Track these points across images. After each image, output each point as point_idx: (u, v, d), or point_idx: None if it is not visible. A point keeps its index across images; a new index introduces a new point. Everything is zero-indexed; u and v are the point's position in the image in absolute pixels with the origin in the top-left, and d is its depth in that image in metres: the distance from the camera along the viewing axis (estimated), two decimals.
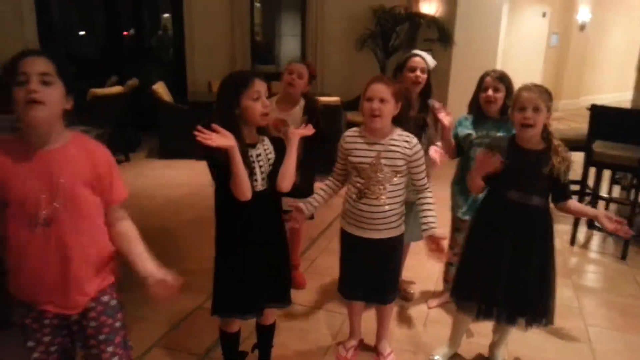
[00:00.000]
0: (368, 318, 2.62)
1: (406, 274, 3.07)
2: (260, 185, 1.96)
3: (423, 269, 3.29)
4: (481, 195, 2.33)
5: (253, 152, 1.95)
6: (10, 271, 1.54)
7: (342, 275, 2.40)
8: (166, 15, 8.13)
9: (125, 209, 1.69)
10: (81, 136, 1.57)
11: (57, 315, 1.57)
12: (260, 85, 1.91)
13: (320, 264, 3.48)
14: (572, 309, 3.02)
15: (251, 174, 1.90)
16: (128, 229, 1.66)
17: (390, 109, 2.12)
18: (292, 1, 8.20)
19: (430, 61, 2.71)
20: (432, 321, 2.86)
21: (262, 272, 2.03)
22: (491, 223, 2.22)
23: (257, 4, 9.08)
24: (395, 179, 2.17)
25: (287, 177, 2.00)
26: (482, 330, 2.63)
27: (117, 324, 1.65)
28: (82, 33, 9.04)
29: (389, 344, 2.56)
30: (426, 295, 3.11)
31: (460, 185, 2.76)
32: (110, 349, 1.63)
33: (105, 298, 1.62)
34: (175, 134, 5.89)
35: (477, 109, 2.70)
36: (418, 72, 2.65)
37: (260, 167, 1.96)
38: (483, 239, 2.25)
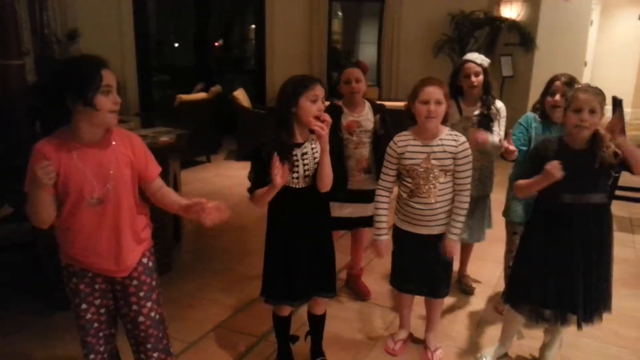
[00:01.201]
0: (422, 313, 2.70)
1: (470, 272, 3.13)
2: (301, 183, 2.12)
3: (483, 271, 3.29)
4: (531, 200, 2.33)
5: (298, 151, 2.10)
6: (64, 244, 1.78)
7: (395, 268, 2.50)
8: (253, 26, 8.60)
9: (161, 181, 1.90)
10: (118, 129, 1.79)
11: (105, 279, 1.81)
12: (319, 90, 2.06)
13: (377, 262, 3.57)
14: (636, 318, 2.89)
15: (292, 171, 2.07)
16: (168, 190, 1.90)
17: (444, 109, 2.22)
18: (371, 9, 8.37)
19: (483, 61, 2.78)
20: (486, 322, 2.86)
21: (305, 263, 2.17)
22: (546, 227, 2.21)
23: (339, 13, 9.36)
24: (443, 177, 2.24)
25: (323, 178, 2.09)
26: (533, 333, 2.61)
27: (154, 283, 1.89)
28: (176, 45, 9.81)
29: (439, 340, 2.61)
30: (482, 296, 3.11)
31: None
32: (148, 304, 1.86)
33: (145, 260, 1.86)
34: (252, 137, 6.21)
35: (542, 113, 2.67)
36: (472, 78, 2.76)
37: (305, 164, 2.11)
38: (539, 243, 2.23)
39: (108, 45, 7.03)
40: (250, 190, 2.13)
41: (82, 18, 6.83)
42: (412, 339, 2.68)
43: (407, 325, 2.65)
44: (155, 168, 1.86)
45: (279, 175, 1.95)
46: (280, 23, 7.67)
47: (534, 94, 7.42)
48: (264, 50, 7.84)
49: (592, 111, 2.03)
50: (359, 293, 3.13)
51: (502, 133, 2.81)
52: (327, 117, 2.04)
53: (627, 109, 9.34)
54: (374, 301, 3.08)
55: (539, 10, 7.10)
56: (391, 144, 2.33)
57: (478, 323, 2.86)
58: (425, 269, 2.39)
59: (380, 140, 2.75)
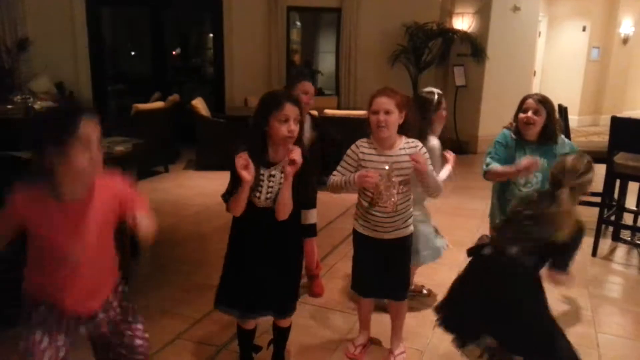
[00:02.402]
0: (384, 320, 2.76)
1: (418, 279, 3.21)
2: (264, 202, 2.10)
3: (437, 276, 3.39)
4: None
5: (266, 172, 2.09)
6: (33, 276, 1.68)
7: (356, 273, 2.56)
8: (211, 35, 8.58)
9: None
10: (102, 177, 1.65)
11: (75, 316, 1.70)
12: (289, 110, 2.03)
13: (339, 268, 3.63)
14: (584, 317, 3.05)
15: (254, 189, 2.07)
16: None
17: (395, 119, 2.27)
18: (329, 19, 8.49)
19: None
20: None
21: (261, 281, 2.17)
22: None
23: (298, 22, 9.45)
24: (402, 186, 2.31)
25: (281, 208, 2.08)
26: None
27: (135, 306, 1.86)
28: (132, 53, 9.66)
29: (406, 343, 2.67)
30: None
31: (499, 202, 2.87)
32: (140, 326, 1.83)
33: (119, 288, 1.82)
34: (211, 146, 6.21)
35: (516, 131, 2.79)
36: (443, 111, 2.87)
37: (269, 187, 2.09)
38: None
39: (61, 55, 6.90)
40: (225, 197, 2.12)
41: (34, 27, 6.69)
42: (376, 343, 2.74)
43: (367, 329, 2.71)
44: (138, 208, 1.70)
45: (244, 169, 1.94)
46: (239, 32, 7.69)
47: (486, 102, 7.78)
48: (223, 59, 7.83)
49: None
50: (311, 292, 3.25)
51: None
52: (297, 158, 1.99)
53: (573, 117, 9.79)
54: (334, 307, 3.12)
55: (489, 21, 7.38)
56: (353, 147, 2.38)
57: (434, 326, 2.93)
58: (385, 272, 2.45)
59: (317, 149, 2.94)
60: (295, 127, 2.05)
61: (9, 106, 4.13)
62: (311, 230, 3.13)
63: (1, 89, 5.06)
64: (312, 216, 3.10)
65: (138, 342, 1.82)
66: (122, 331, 1.80)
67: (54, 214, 1.55)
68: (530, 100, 2.71)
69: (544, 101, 2.70)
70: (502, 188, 2.84)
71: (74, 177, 1.54)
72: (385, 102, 2.24)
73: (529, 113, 2.69)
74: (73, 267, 1.62)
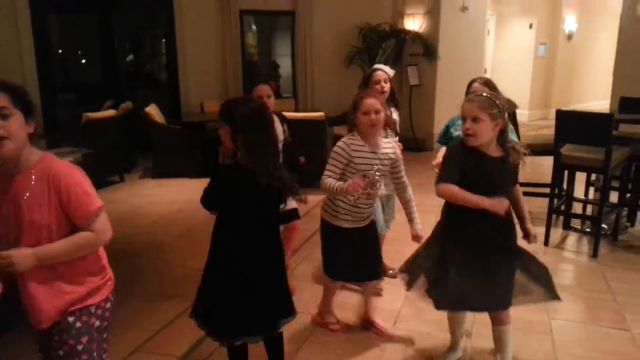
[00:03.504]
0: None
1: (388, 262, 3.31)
2: None
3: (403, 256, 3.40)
4: None
5: None
6: None
7: (329, 261, 2.72)
8: (163, 40, 8.42)
9: (93, 222, 1.65)
10: (48, 160, 1.62)
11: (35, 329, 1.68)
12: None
13: (300, 271, 3.63)
14: (537, 304, 3.14)
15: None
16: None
17: (382, 118, 2.47)
18: (284, 22, 8.48)
19: (390, 71, 3.18)
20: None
21: (245, 296, 2.06)
22: (458, 229, 2.27)
23: (253, 26, 9.40)
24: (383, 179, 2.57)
25: None
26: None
27: (79, 347, 1.67)
28: (82, 61, 9.39)
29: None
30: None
31: None
32: None
33: (71, 319, 1.67)
34: (168, 153, 6.11)
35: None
36: (382, 83, 3.09)
37: None
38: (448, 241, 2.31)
39: (6, 65, 6.63)
40: (204, 203, 2.05)
41: None
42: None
43: (332, 310, 2.91)
44: (82, 212, 1.61)
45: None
46: (192, 36, 7.57)
47: (440, 100, 7.93)
48: (177, 65, 7.71)
49: (474, 119, 2.14)
50: None
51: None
52: None
53: (524, 111, 10.12)
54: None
55: (439, 22, 7.53)
56: (342, 145, 2.49)
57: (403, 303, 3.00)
58: (362, 256, 2.64)
59: (290, 146, 3.13)
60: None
61: None
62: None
63: None
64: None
65: None
66: (52, 357, 1.69)
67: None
68: (476, 84, 2.96)
69: (487, 83, 2.95)
70: None
71: (9, 156, 1.55)
72: (374, 103, 2.46)
73: None
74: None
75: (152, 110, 6.25)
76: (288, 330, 2.43)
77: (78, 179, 1.63)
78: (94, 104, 6.71)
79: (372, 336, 2.82)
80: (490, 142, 2.18)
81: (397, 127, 3.17)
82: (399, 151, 2.61)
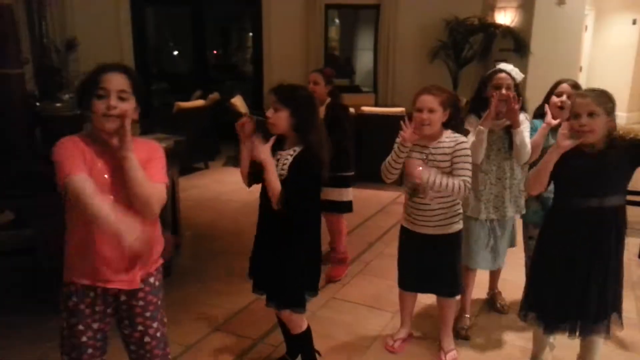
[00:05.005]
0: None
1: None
2: None
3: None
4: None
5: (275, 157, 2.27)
6: (70, 257, 1.72)
7: (399, 266, 2.60)
8: (250, 34, 8.68)
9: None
10: (140, 141, 1.81)
11: (106, 300, 1.73)
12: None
13: (374, 266, 3.62)
14: (629, 320, 2.90)
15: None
16: None
17: (438, 117, 2.30)
18: (367, 16, 8.44)
19: (517, 75, 2.72)
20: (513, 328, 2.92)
21: (261, 264, 2.34)
22: (562, 233, 2.17)
23: (336, 20, 9.45)
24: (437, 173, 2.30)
25: (270, 195, 2.17)
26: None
27: (159, 302, 1.83)
28: (175, 53, 9.89)
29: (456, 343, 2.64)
30: (478, 303, 3.13)
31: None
32: (155, 324, 1.81)
33: (151, 280, 1.80)
34: None
35: (542, 116, 2.69)
36: (503, 90, 2.58)
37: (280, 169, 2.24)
38: (554, 251, 2.19)
39: (107, 54, 7.11)
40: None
41: (81, 27, 6.92)
42: (419, 338, 2.75)
43: (407, 324, 2.71)
44: (153, 176, 1.70)
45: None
46: (277, 30, 7.74)
47: (530, 99, 7.54)
48: (262, 57, 7.91)
49: (590, 114, 1.99)
50: (328, 275, 3.35)
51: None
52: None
53: (622, 113, 9.41)
54: (367, 303, 3.12)
55: (532, 16, 7.16)
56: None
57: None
58: (427, 267, 2.47)
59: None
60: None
61: (58, 104, 4.31)
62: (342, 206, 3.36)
63: (51, 87, 5.27)
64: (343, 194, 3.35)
65: (147, 339, 1.80)
66: (136, 324, 1.79)
67: (98, 160, 1.67)
68: (564, 85, 2.68)
69: (577, 86, 2.68)
70: None
71: (96, 125, 1.65)
72: (429, 101, 2.29)
73: (564, 97, 2.63)
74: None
75: (238, 101, 6.46)
76: None
77: (159, 155, 1.86)
78: (184, 93, 7.05)
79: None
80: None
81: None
82: (461, 147, 2.31)
